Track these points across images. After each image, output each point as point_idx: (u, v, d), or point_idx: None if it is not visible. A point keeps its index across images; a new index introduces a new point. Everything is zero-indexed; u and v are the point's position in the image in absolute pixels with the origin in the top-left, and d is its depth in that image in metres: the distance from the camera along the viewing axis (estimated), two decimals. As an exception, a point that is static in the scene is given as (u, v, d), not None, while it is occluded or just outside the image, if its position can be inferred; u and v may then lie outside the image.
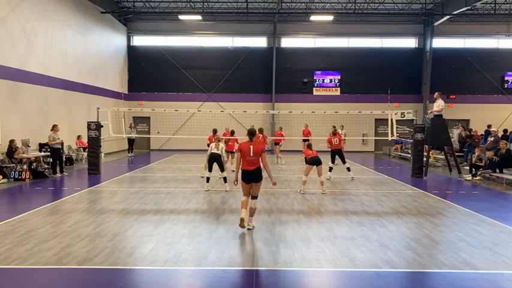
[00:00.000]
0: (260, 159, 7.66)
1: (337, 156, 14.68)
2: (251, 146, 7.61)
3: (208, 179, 12.19)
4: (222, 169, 12.36)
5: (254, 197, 7.75)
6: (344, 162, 14.61)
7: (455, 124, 23.55)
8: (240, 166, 7.71)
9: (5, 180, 13.19)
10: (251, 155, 7.56)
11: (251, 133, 7.84)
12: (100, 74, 23.49)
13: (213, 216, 8.87)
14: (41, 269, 5.71)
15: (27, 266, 5.79)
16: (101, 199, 10.87)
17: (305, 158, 12.35)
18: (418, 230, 7.93)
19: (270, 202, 10.40)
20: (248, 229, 7.64)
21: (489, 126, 19.78)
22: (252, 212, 7.76)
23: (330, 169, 14.61)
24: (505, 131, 18.47)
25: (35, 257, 6.12)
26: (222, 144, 12.49)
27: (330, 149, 14.71)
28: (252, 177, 7.60)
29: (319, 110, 19.51)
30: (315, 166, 11.64)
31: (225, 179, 12.16)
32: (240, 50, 28.28)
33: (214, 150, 12.08)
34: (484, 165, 15.11)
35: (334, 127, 15.76)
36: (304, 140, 22.17)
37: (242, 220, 7.53)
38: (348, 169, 14.53)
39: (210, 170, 12.23)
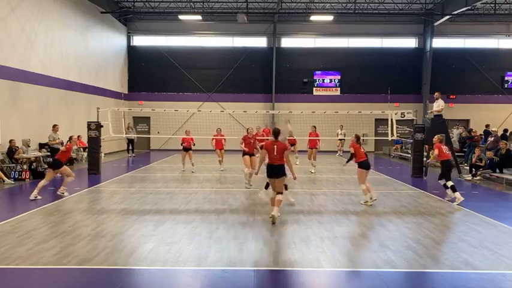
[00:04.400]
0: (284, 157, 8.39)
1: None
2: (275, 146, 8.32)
3: None
4: None
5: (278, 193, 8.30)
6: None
7: (456, 124, 23.52)
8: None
9: (9, 181, 13.11)
10: (275, 153, 8.26)
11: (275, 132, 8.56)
12: (100, 74, 23.48)
13: (213, 216, 8.87)
14: (41, 269, 5.71)
15: (27, 266, 5.79)
16: (101, 199, 10.87)
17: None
18: (418, 230, 7.93)
19: (270, 202, 10.39)
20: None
21: (487, 126, 19.75)
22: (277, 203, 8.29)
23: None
24: (505, 130, 18.42)
25: (35, 257, 6.12)
26: None
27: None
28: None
29: (319, 110, 19.48)
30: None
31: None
32: (240, 50, 28.26)
33: None
34: (484, 165, 15.11)
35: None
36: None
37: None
38: None
39: None
